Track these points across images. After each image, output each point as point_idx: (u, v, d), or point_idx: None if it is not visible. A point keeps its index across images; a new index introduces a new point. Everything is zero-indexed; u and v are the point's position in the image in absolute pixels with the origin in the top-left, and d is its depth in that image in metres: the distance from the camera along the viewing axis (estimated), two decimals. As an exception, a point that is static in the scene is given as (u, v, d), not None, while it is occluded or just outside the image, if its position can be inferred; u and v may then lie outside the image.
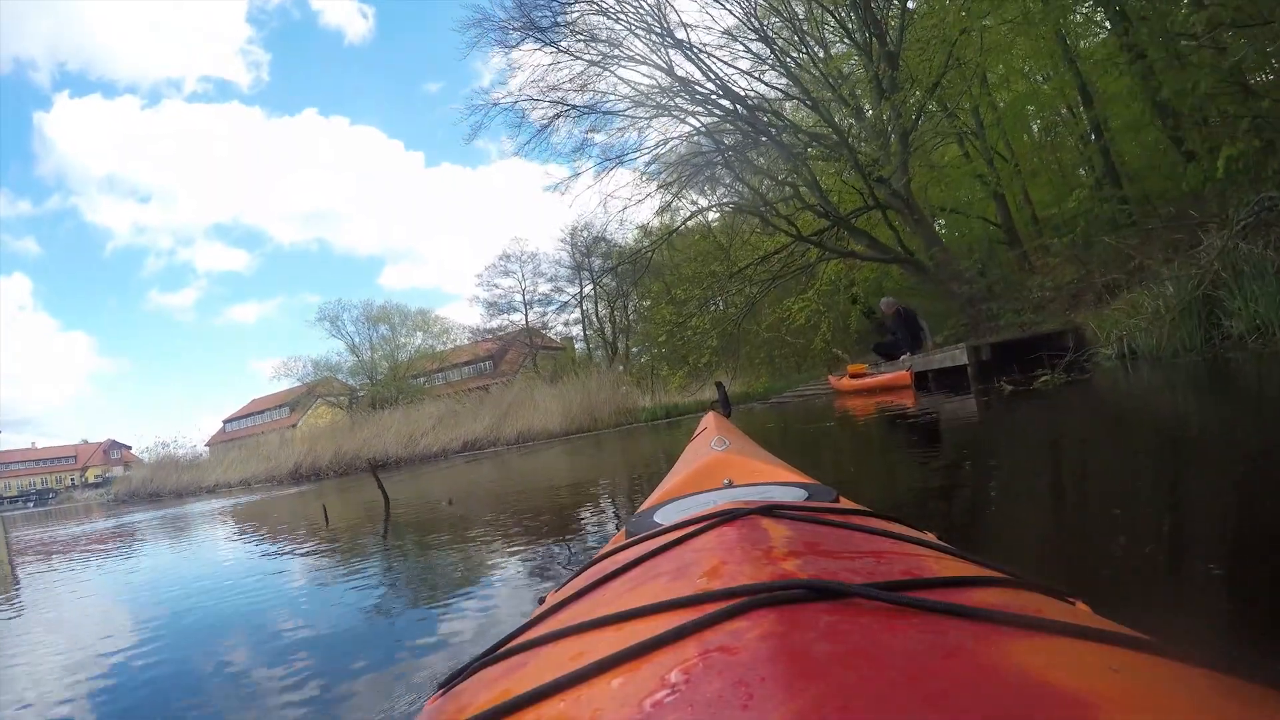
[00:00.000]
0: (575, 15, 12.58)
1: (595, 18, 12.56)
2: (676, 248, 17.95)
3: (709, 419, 1.77)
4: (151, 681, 1.61)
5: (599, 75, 13.19)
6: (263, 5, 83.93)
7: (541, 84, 13.30)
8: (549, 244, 45.35)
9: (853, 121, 12.33)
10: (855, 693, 0.26)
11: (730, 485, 1.06)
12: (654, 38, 12.41)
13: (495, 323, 30.94)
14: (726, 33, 12.60)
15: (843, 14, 11.80)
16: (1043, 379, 5.07)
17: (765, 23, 12.38)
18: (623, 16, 12.35)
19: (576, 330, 30.05)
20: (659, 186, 13.87)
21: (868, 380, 8.81)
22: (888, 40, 10.75)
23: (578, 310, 29.04)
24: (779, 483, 1.03)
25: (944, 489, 2.44)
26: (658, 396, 16.56)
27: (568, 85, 13.29)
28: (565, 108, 13.46)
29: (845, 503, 0.86)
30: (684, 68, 12.65)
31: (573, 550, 2.33)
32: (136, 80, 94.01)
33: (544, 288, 29.86)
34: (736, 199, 14.38)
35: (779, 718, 0.25)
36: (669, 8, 12.20)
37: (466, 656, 1.33)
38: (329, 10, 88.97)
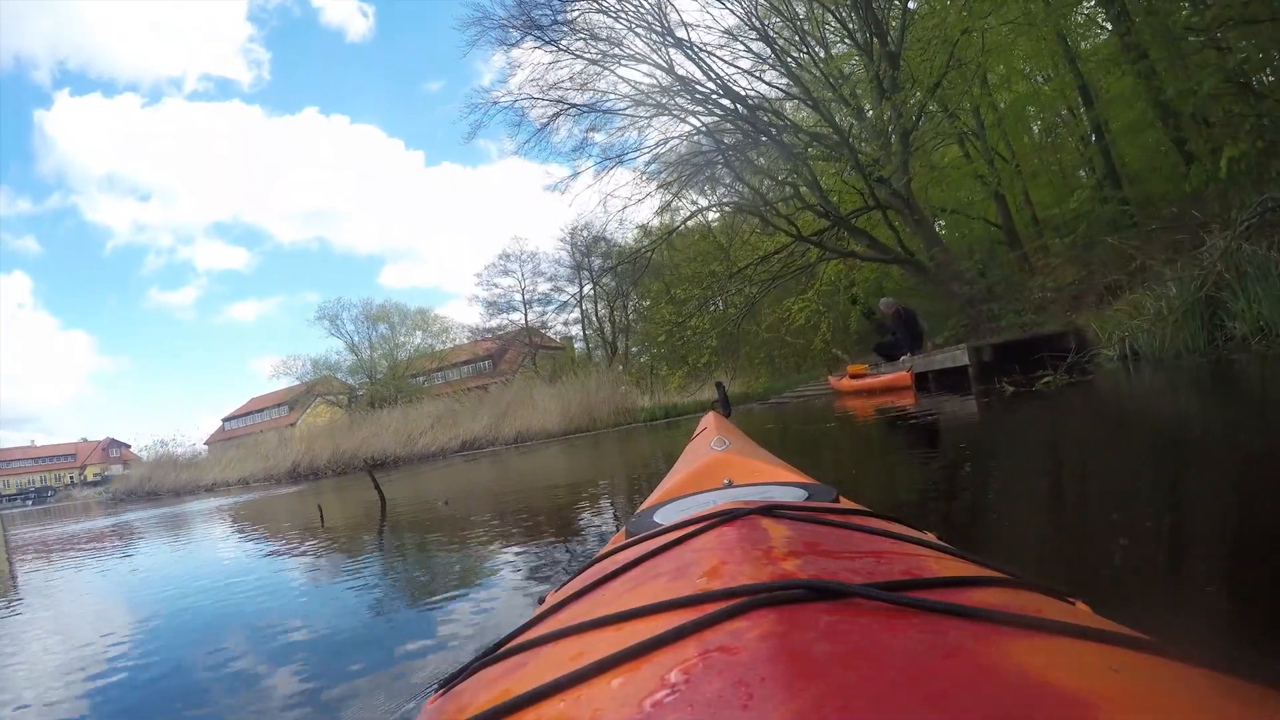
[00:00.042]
0: (575, 13, 12.62)
1: (596, 16, 12.60)
2: (676, 247, 17.95)
3: (709, 419, 1.77)
4: (149, 683, 1.61)
5: (599, 74, 13.23)
6: (263, 4, 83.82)
7: (541, 82, 13.34)
8: (549, 243, 45.42)
9: (853, 121, 12.34)
10: (855, 693, 0.26)
11: (730, 485, 1.06)
12: (654, 36, 12.44)
13: (494, 322, 31.00)
14: (727, 32, 12.64)
15: (843, 14, 11.81)
16: (1045, 380, 5.05)
17: (766, 22, 12.39)
18: (623, 15, 12.38)
19: (576, 330, 30.12)
20: (659, 186, 13.90)
21: (868, 381, 8.81)
22: (889, 40, 10.75)
23: (577, 310, 29.09)
24: (779, 483, 1.04)
25: (944, 489, 2.44)
26: (657, 396, 16.56)
27: (568, 84, 13.33)
28: (565, 106, 13.49)
29: (845, 503, 0.86)
30: (684, 67, 12.68)
31: (572, 550, 2.33)
32: (137, 78, 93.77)
33: (543, 287, 29.92)
34: (736, 199, 14.39)
35: (779, 718, 0.25)
36: (669, 7, 12.23)
37: (463, 658, 1.33)
38: (329, 9, 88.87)
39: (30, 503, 44.06)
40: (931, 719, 0.25)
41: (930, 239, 11.76)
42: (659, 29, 12.30)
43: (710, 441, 1.36)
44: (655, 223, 15.81)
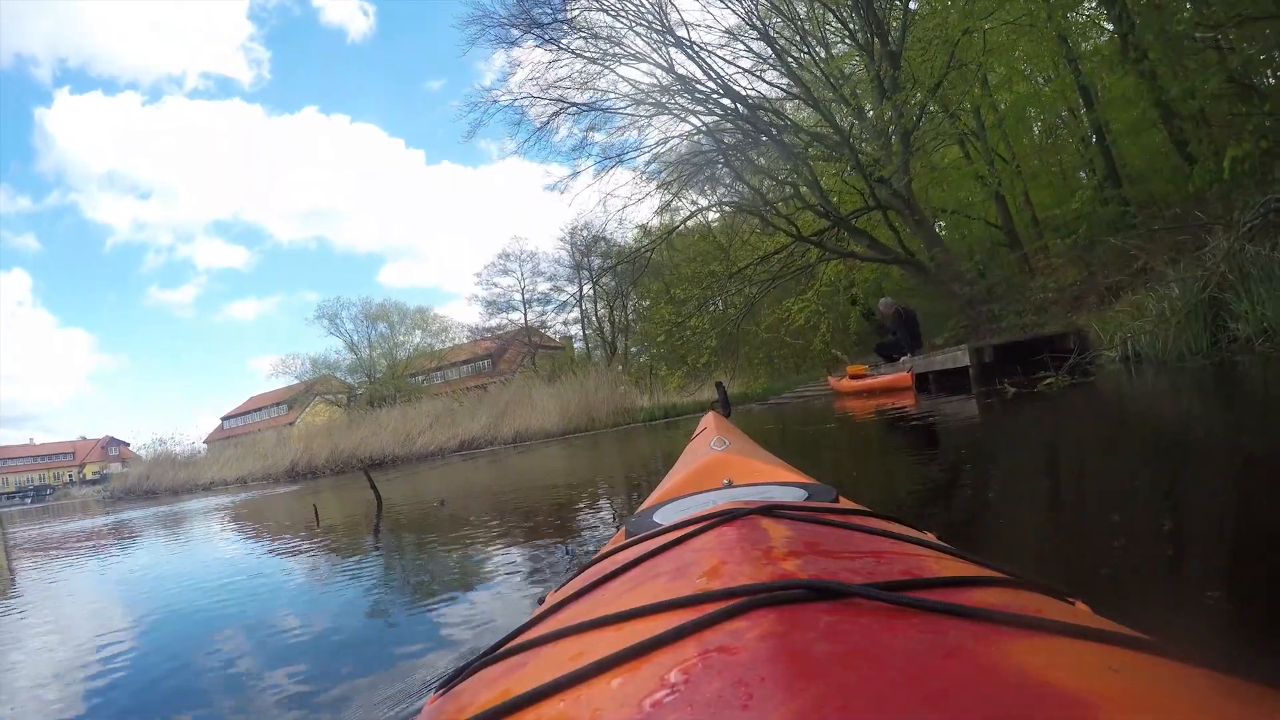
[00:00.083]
0: (576, 12, 12.60)
1: (596, 15, 12.58)
2: (676, 247, 17.94)
3: (709, 419, 1.77)
4: (147, 683, 1.61)
5: (599, 73, 13.22)
6: (264, 3, 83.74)
7: (541, 81, 13.33)
8: (548, 243, 45.48)
9: (854, 121, 12.34)
10: (855, 693, 0.26)
11: (730, 485, 1.06)
12: (654, 35, 12.43)
13: (494, 321, 30.99)
14: (728, 32, 12.64)
15: (844, 14, 11.81)
16: (1047, 381, 5.04)
17: (767, 22, 12.39)
18: (623, 14, 12.36)
19: (575, 330, 30.09)
20: (659, 186, 13.89)
21: (868, 381, 8.80)
22: (889, 40, 10.75)
23: (577, 309, 29.08)
24: (779, 483, 1.03)
25: (945, 490, 2.44)
26: (656, 396, 16.56)
27: (567, 83, 13.32)
28: (565, 105, 13.48)
29: (845, 503, 0.86)
30: (684, 66, 12.67)
31: (571, 550, 2.33)
32: (138, 76, 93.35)
33: (543, 287, 29.91)
34: (736, 199, 14.37)
35: (779, 718, 0.25)
36: (670, 6, 12.22)
37: (461, 658, 1.33)
38: (330, 8, 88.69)
39: (29, 501, 44.02)
40: (931, 719, 0.25)
41: (930, 239, 11.77)
42: (659, 28, 12.31)
43: (710, 441, 1.36)
44: (655, 222, 15.81)
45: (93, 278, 74.84)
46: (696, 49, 12.36)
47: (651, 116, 13.30)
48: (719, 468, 1.18)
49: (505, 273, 29.75)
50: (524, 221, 75.17)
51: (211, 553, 4.37)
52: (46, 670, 1.80)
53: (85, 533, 7.62)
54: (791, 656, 0.30)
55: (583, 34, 12.78)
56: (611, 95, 13.40)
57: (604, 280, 26.35)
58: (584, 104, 13.44)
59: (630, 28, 12.45)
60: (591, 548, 2.16)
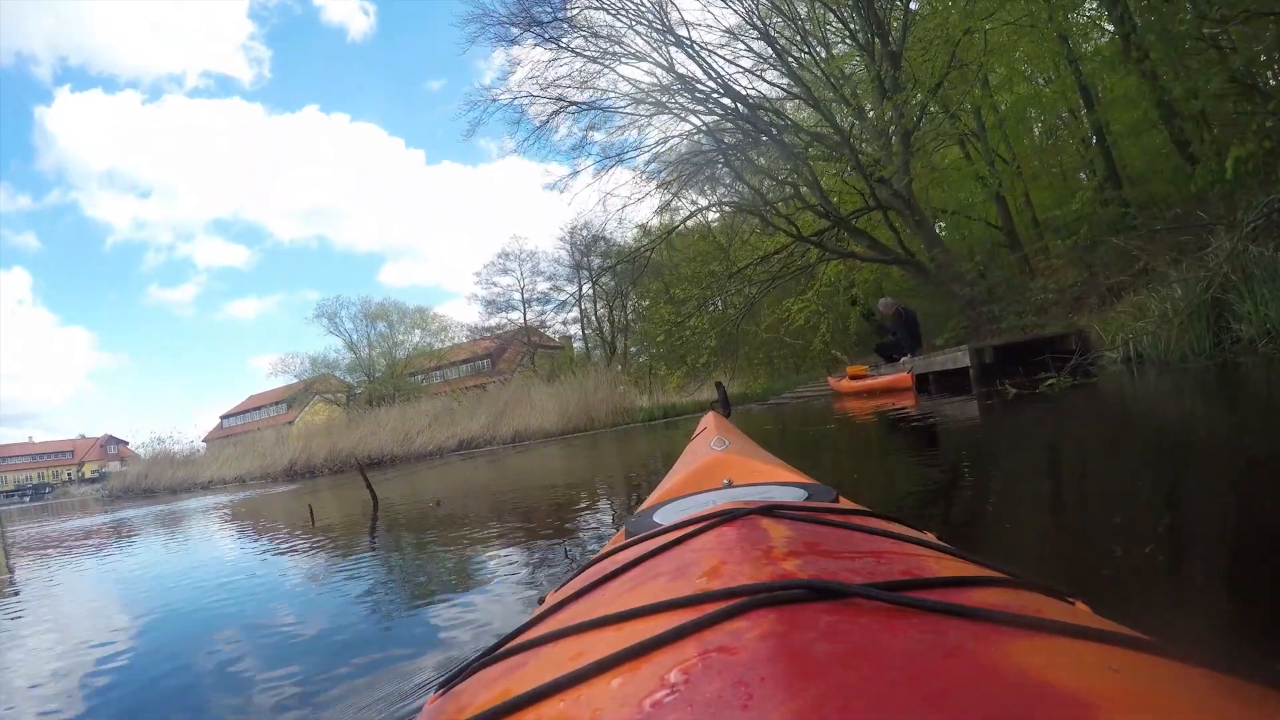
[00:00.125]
0: (576, 10, 12.60)
1: (596, 13, 12.58)
2: (676, 247, 17.94)
3: (709, 419, 1.77)
4: (146, 683, 1.61)
5: (599, 72, 13.21)
6: (264, 2, 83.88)
7: (541, 80, 13.32)
8: (548, 242, 45.48)
9: (854, 121, 12.34)
10: (855, 693, 0.26)
11: (730, 485, 1.06)
12: (655, 35, 12.43)
13: (493, 321, 30.97)
14: (728, 31, 12.63)
15: (845, 14, 11.81)
16: (1049, 382, 5.02)
17: (767, 21, 12.37)
18: (623, 13, 12.36)
19: (575, 329, 30.09)
20: (658, 185, 13.88)
21: (868, 382, 8.80)
22: (890, 40, 10.75)
23: (576, 309, 29.07)
24: (779, 483, 1.03)
25: (945, 491, 2.44)
26: (655, 396, 16.56)
27: (567, 81, 13.31)
28: (565, 104, 13.46)
29: (845, 503, 0.86)
30: (685, 65, 12.66)
31: (570, 551, 2.32)
32: (138, 75, 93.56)
33: (543, 286, 29.90)
34: (736, 198, 14.37)
35: (779, 718, 0.25)
36: (670, 5, 12.22)
37: (456, 660, 1.33)
38: (330, 7, 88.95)
39: (28, 499, 43.96)
40: (931, 719, 0.25)
41: (931, 240, 11.77)
42: (659, 27, 12.31)
43: (710, 441, 1.36)
44: (655, 222, 15.80)
45: (93, 276, 75.02)
46: (697, 48, 12.37)
47: (651, 116, 13.32)
48: (719, 468, 1.18)
49: (505, 272, 29.78)
50: (524, 221, 75.34)
51: (208, 552, 4.37)
52: (45, 669, 1.79)
53: (84, 531, 7.62)
54: (791, 656, 0.30)
55: (582, 32, 12.79)
56: (611, 94, 13.41)
57: (604, 280, 26.37)
58: (584, 103, 13.45)
59: (630, 26, 12.47)
60: (591, 548, 2.16)
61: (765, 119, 12.46)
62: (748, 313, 14.21)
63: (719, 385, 2.98)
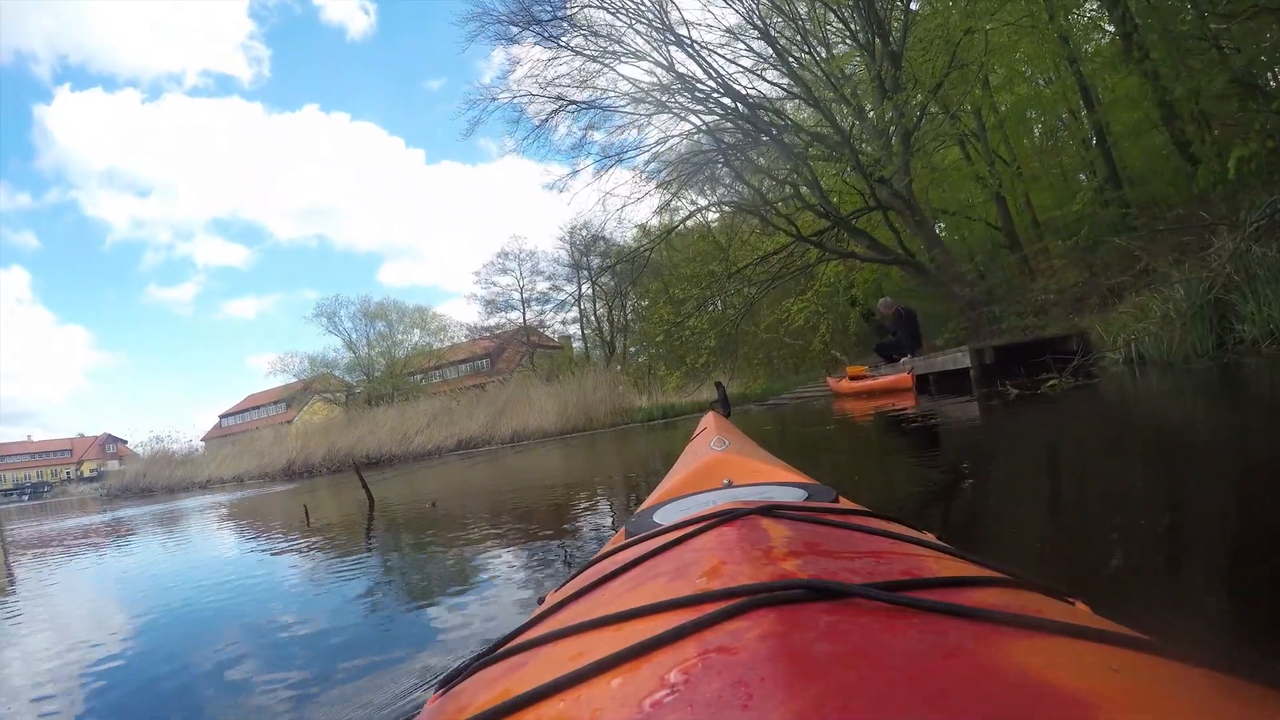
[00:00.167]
0: (576, 9, 12.59)
1: (596, 12, 12.57)
2: (675, 247, 17.93)
3: (708, 419, 1.77)
4: (144, 682, 1.61)
5: (599, 71, 13.20)
6: (264, 1, 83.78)
7: (540, 79, 13.31)
8: (548, 242, 45.44)
9: (855, 121, 12.33)
10: (855, 693, 0.26)
11: (730, 485, 1.06)
12: (654, 34, 12.43)
13: (493, 320, 30.94)
14: (728, 31, 12.63)
15: (846, 13, 11.80)
16: (1050, 383, 5.00)
17: (768, 21, 12.37)
18: (623, 12, 12.35)
19: (574, 329, 30.09)
20: (658, 185, 13.87)
21: (867, 383, 8.79)
22: (891, 40, 10.75)
23: (576, 309, 29.07)
24: (779, 483, 1.03)
25: (945, 491, 2.44)
26: (654, 396, 16.56)
27: (567, 80, 13.31)
28: (564, 103, 13.45)
29: (845, 503, 0.86)
30: (685, 65, 12.65)
31: (569, 551, 2.32)
32: (138, 74, 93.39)
33: (542, 286, 29.89)
34: (736, 198, 14.36)
35: (779, 718, 0.25)
36: (670, 4, 12.21)
37: (458, 658, 1.32)
38: (330, 6, 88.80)
39: (26, 498, 43.94)
40: (931, 719, 0.25)
41: (931, 240, 11.77)
42: (659, 26, 12.30)
43: (710, 441, 1.36)
44: (654, 222, 15.80)
45: (92, 275, 75.00)
46: (697, 48, 12.37)
47: (651, 115, 13.31)
48: (719, 468, 1.18)
49: (504, 272, 29.76)
50: (523, 220, 75.30)
51: (206, 551, 4.37)
52: (43, 670, 1.79)
53: (82, 530, 7.61)
54: (791, 656, 0.30)
55: (582, 31, 12.79)
56: (611, 93, 13.40)
57: (603, 280, 26.37)
58: (583, 102, 13.44)
59: (630, 26, 12.46)
60: (590, 548, 2.16)
61: (765, 119, 12.46)
62: (747, 313, 14.21)
63: (718, 385, 2.98)
